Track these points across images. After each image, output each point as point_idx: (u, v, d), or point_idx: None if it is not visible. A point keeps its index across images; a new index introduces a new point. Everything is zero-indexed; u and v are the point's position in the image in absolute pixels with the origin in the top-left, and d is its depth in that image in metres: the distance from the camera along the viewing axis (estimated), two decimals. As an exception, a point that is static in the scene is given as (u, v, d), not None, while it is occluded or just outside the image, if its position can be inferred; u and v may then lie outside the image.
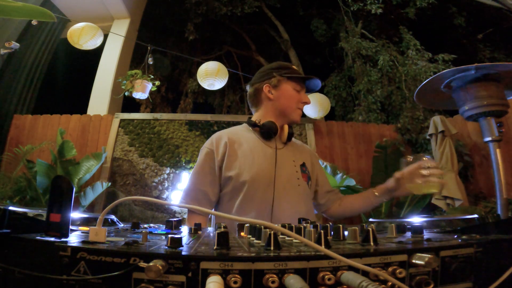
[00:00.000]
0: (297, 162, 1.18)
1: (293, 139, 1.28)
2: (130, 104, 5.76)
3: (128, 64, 4.88)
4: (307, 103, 1.20)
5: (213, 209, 1.18)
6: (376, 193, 1.15)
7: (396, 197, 1.27)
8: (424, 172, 0.96)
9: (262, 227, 0.47)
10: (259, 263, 0.34)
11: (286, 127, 1.18)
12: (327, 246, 0.39)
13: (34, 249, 0.39)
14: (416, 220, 0.79)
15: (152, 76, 3.39)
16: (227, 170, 1.10)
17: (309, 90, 1.26)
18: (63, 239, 0.41)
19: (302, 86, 1.20)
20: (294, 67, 1.24)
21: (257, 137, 1.18)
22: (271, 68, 1.22)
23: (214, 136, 1.18)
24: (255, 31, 7.49)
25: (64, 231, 0.44)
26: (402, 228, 0.60)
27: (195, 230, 0.64)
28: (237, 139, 1.17)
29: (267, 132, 1.13)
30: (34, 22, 3.67)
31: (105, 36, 3.92)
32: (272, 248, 0.39)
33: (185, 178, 3.52)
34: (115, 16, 4.83)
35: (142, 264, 0.34)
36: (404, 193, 1.09)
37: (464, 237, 0.49)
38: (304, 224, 0.62)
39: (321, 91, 5.68)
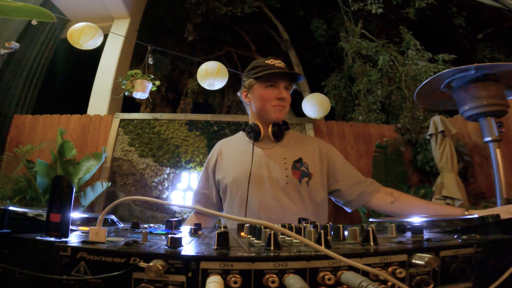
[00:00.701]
0: (290, 159, 1.13)
1: (298, 134, 1.28)
2: (130, 104, 5.77)
3: (128, 64, 4.89)
4: (283, 97, 1.12)
5: (218, 211, 1.23)
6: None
7: None
8: None
9: (262, 227, 0.47)
10: (259, 263, 0.34)
11: (270, 127, 1.15)
12: (327, 246, 0.39)
13: (34, 249, 0.39)
14: (416, 220, 0.79)
15: (152, 76, 3.39)
16: (217, 174, 1.19)
17: (295, 80, 1.20)
18: (63, 239, 0.41)
19: (276, 81, 1.13)
20: (269, 61, 1.15)
21: (248, 140, 1.19)
22: (245, 72, 1.22)
23: (216, 144, 1.30)
24: (255, 31, 7.49)
25: (64, 231, 0.44)
26: (402, 228, 0.60)
27: (195, 230, 0.64)
28: (229, 145, 1.24)
29: (248, 133, 1.17)
30: (34, 22, 3.67)
31: (105, 36, 3.92)
32: (272, 248, 0.39)
33: (185, 178, 3.52)
34: (115, 16, 4.83)
35: (142, 264, 0.34)
36: None
37: (464, 237, 0.49)
38: (304, 224, 0.62)
39: (321, 91, 5.68)
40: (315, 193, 1.11)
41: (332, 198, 1.21)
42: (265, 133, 1.16)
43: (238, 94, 1.26)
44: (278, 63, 1.14)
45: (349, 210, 1.19)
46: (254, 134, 1.14)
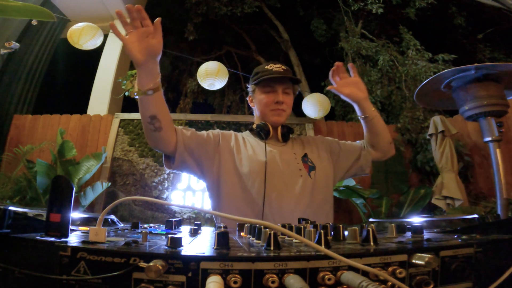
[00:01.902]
0: (298, 155, 1.20)
1: (298, 136, 1.35)
2: (130, 104, 5.75)
3: (128, 64, 4.88)
4: (279, 101, 1.16)
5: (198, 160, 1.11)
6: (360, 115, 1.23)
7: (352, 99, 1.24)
8: None
9: (262, 227, 0.47)
10: (259, 263, 0.34)
11: (279, 128, 1.21)
12: (327, 246, 0.39)
13: (34, 249, 0.39)
14: (416, 220, 0.79)
15: (152, 76, 3.38)
16: (227, 163, 1.14)
17: (295, 82, 1.22)
18: (63, 239, 0.41)
19: (273, 86, 1.17)
20: (268, 67, 1.19)
21: (257, 139, 1.23)
22: (250, 78, 1.27)
23: (223, 130, 1.25)
24: (255, 31, 7.49)
25: (64, 231, 0.44)
26: (402, 228, 0.60)
27: (195, 230, 0.64)
28: (242, 137, 1.25)
29: (258, 133, 1.20)
30: (34, 22, 3.66)
31: (105, 36, 3.91)
32: (272, 248, 0.39)
33: (185, 178, 3.52)
34: (115, 16, 4.82)
35: (142, 264, 0.34)
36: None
37: (464, 237, 0.49)
38: (304, 224, 0.62)
39: (321, 91, 5.67)
40: (320, 185, 1.18)
41: (352, 177, 1.36)
42: (273, 134, 1.20)
43: (247, 99, 1.32)
44: (277, 67, 1.18)
45: (366, 174, 1.37)
46: (264, 133, 1.17)
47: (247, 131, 1.29)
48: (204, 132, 1.16)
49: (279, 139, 1.22)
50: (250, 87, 1.25)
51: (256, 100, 1.22)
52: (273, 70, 1.17)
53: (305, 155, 1.21)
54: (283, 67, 1.19)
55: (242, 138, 1.24)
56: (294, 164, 1.16)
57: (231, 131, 1.26)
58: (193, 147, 1.07)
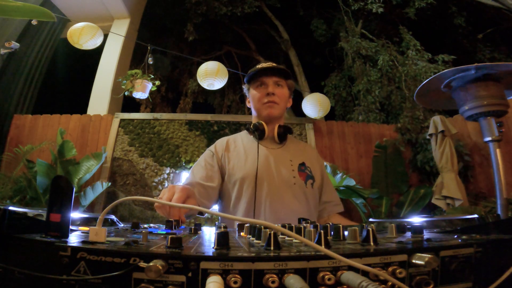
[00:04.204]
0: (295, 161, 1.18)
1: (296, 140, 1.33)
2: (130, 104, 5.76)
3: (128, 64, 4.88)
4: (269, 93, 1.16)
5: (213, 203, 1.18)
6: None
7: None
8: None
9: (262, 227, 0.47)
10: (259, 263, 0.34)
11: (275, 128, 1.19)
12: (327, 246, 0.39)
13: (34, 249, 0.39)
14: (416, 220, 0.79)
15: (152, 76, 3.39)
16: (223, 170, 1.17)
17: (286, 76, 1.21)
18: (63, 239, 0.41)
19: (263, 80, 1.19)
20: (259, 65, 1.21)
21: (253, 139, 1.22)
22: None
23: (217, 141, 1.26)
24: (255, 31, 7.49)
25: (64, 231, 0.44)
26: (402, 228, 0.60)
27: (195, 230, 0.64)
28: (235, 142, 1.24)
29: (253, 132, 1.19)
30: (34, 22, 3.67)
31: (105, 36, 3.92)
32: (272, 248, 0.39)
33: (185, 178, 3.52)
34: (115, 16, 4.83)
35: (142, 264, 0.34)
36: None
37: (464, 237, 0.49)
38: (304, 224, 0.62)
39: (321, 91, 5.67)
40: (316, 196, 1.18)
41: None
42: (269, 133, 1.19)
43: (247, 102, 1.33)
44: (268, 64, 1.20)
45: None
46: (259, 133, 1.16)
47: (245, 131, 1.29)
48: (202, 168, 1.15)
49: (276, 140, 1.20)
50: (245, 88, 1.27)
51: (251, 98, 1.24)
52: (263, 66, 1.19)
53: (303, 163, 1.19)
54: (274, 64, 1.20)
55: (234, 142, 1.23)
56: (289, 171, 1.14)
57: (222, 141, 1.24)
58: (211, 199, 1.13)
